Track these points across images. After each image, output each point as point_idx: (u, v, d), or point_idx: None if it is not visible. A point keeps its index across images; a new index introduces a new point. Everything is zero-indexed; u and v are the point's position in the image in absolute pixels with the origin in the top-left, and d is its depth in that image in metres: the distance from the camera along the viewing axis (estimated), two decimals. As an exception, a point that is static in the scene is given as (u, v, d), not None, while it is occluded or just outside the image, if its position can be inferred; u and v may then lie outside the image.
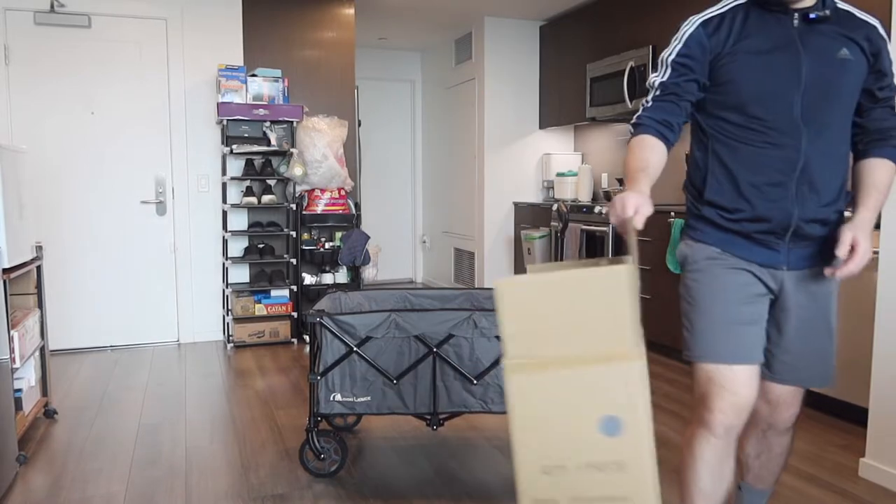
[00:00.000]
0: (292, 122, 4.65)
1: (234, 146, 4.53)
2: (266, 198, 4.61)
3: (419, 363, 2.40)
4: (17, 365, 2.66)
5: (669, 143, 1.65)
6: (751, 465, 1.86)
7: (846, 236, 1.55)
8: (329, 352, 2.41)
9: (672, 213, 4.09)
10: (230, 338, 4.70)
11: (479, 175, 6.15)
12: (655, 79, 1.67)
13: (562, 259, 2.84)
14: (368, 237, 4.74)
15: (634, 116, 1.68)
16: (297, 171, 4.50)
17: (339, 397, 2.42)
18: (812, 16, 1.56)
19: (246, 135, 4.67)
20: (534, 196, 6.14)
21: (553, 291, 1.34)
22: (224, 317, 4.82)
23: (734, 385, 1.59)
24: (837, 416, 3.16)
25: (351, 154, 5.03)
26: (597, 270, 1.31)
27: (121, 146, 4.56)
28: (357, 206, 4.91)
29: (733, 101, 1.60)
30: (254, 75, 4.61)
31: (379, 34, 6.53)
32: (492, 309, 2.44)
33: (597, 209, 4.70)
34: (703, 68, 1.61)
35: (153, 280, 4.69)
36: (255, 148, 4.56)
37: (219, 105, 4.44)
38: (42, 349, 3.15)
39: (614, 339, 1.29)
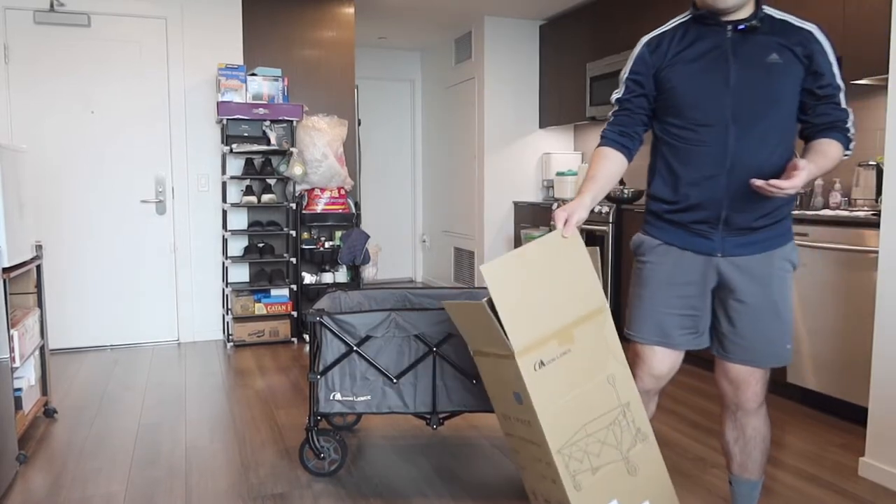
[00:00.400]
0: (292, 121, 4.65)
1: (233, 145, 4.52)
2: (266, 197, 4.60)
3: (419, 362, 2.40)
4: (17, 364, 2.66)
5: (629, 150, 1.90)
6: (732, 452, 1.97)
7: (797, 162, 1.64)
8: (329, 351, 2.41)
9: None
10: (230, 337, 4.70)
11: (479, 174, 6.14)
12: (615, 95, 1.92)
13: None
14: (368, 236, 4.74)
15: (606, 125, 1.94)
16: (296, 170, 4.50)
17: (338, 396, 2.42)
18: (741, 27, 1.74)
19: (246, 134, 4.67)
20: (534, 195, 6.14)
21: (529, 261, 1.71)
22: (224, 316, 4.82)
23: (652, 361, 1.91)
24: (837, 415, 3.16)
25: (351, 153, 5.02)
26: (554, 233, 1.74)
27: (121, 145, 4.56)
28: (357, 205, 4.91)
29: (673, 106, 1.81)
30: (254, 74, 4.61)
31: (379, 34, 6.53)
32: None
33: (597, 208, 4.70)
34: (650, 82, 1.85)
35: (153, 280, 4.69)
36: (255, 147, 4.56)
37: (218, 104, 4.44)
38: (42, 348, 3.15)
39: (498, 343, 1.71)
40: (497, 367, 1.78)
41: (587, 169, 1.89)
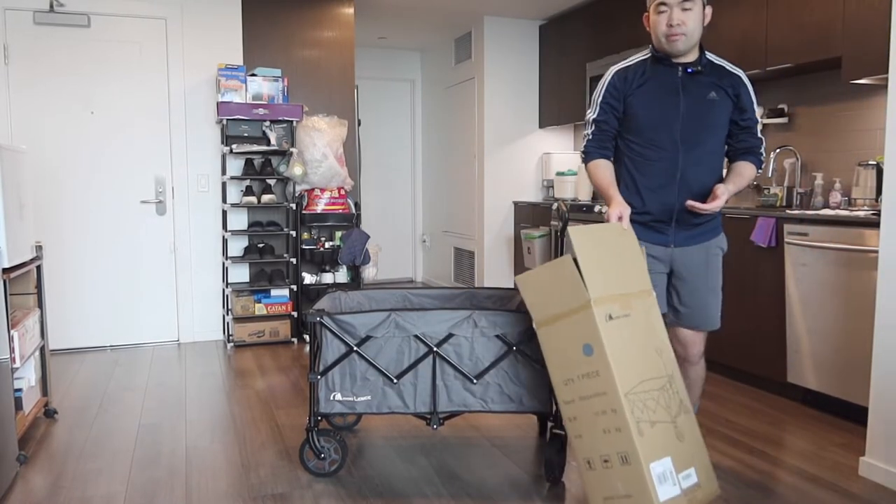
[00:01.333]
0: (292, 121, 4.65)
1: (233, 146, 4.52)
2: (266, 197, 4.60)
3: (419, 362, 2.40)
4: (18, 365, 2.66)
5: (610, 160, 2.36)
6: None
7: (718, 189, 2.19)
8: (329, 351, 2.41)
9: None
10: (230, 337, 4.70)
11: (478, 174, 6.14)
12: (590, 116, 2.35)
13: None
14: (368, 237, 4.74)
15: (583, 147, 2.38)
16: (296, 170, 4.50)
17: (339, 397, 2.43)
18: (690, 70, 2.25)
19: (246, 134, 4.67)
20: (533, 195, 6.14)
21: (601, 236, 2.10)
22: (224, 316, 4.82)
23: None
24: (837, 415, 3.16)
25: (351, 153, 5.03)
26: (614, 223, 2.17)
27: (120, 146, 4.56)
28: (357, 205, 4.91)
29: (635, 128, 2.28)
30: (253, 75, 4.61)
31: (378, 34, 6.53)
32: (491, 308, 2.44)
33: (597, 208, 4.70)
34: (620, 105, 2.30)
35: (153, 280, 4.69)
36: (255, 147, 4.56)
37: (218, 104, 4.44)
38: (42, 349, 3.15)
39: (575, 295, 2.00)
40: (567, 328, 2.01)
41: (597, 178, 2.33)
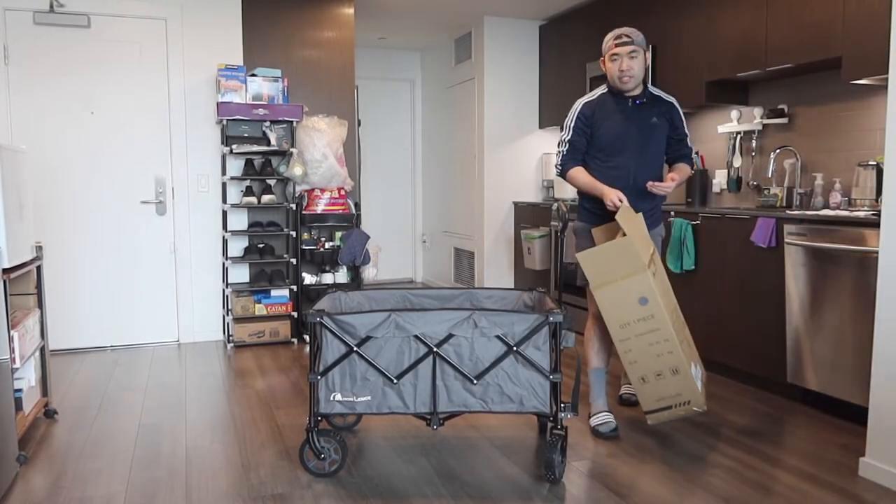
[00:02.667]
0: (292, 121, 4.65)
1: (233, 146, 4.53)
2: (266, 198, 4.61)
3: (419, 363, 2.40)
4: (18, 365, 2.66)
5: (582, 168, 3.04)
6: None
7: (669, 175, 2.96)
8: (329, 351, 2.41)
9: (672, 213, 4.08)
10: (230, 338, 4.70)
11: (478, 175, 6.14)
12: (565, 137, 3.05)
13: (561, 258, 2.97)
14: (368, 237, 4.74)
15: (559, 161, 3.07)
16: (296, 170, 4.50)
17: (339, 397, 2.43)
18: (637, 101, 2.98)
19: (246, 134, 4.67)
20: (533, 195, 6.14)
21: (627, 216, 2.79)
22: (224, 317, 4.82)
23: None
24: (837, 415, 3.16)
25: (351, 154, 5.03)
26: (625, 207, 2.84)
27: (120, 146, 4.56)
28: (357, 205, 4.91)
29: (599, 146, 3.01)
30: (253, 75, 4.61)
31: (379, 34, 6.53)
32: (491, 309, 2.44)
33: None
34: (588, 129, 3.01)
35: (153, 280, 4.69)
36: (255, 148, 4.56)
37: (218, 105, 4.44)
38: (42, 349, 3.15)
39: (631, 265, 2.68)
40: (624, 286, 2.68)
41: (581, 181, 2.99)
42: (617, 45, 2.90)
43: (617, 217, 2.75)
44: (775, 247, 3.39)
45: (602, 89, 3.04)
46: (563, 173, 3.05)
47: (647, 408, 2.82)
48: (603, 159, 3.00)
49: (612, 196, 2.84)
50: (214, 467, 2.64)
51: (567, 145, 3.03)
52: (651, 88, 3.03)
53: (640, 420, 3.13)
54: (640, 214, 2.88)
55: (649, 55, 2.99)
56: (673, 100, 3.05)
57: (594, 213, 3.04)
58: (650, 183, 2.88)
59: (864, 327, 2.92)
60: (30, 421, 2.89)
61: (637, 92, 2.97)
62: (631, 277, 2.65)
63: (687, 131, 3.10)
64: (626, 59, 2.89)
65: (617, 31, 2.95)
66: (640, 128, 2.97)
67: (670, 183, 2.90)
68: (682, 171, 3.05)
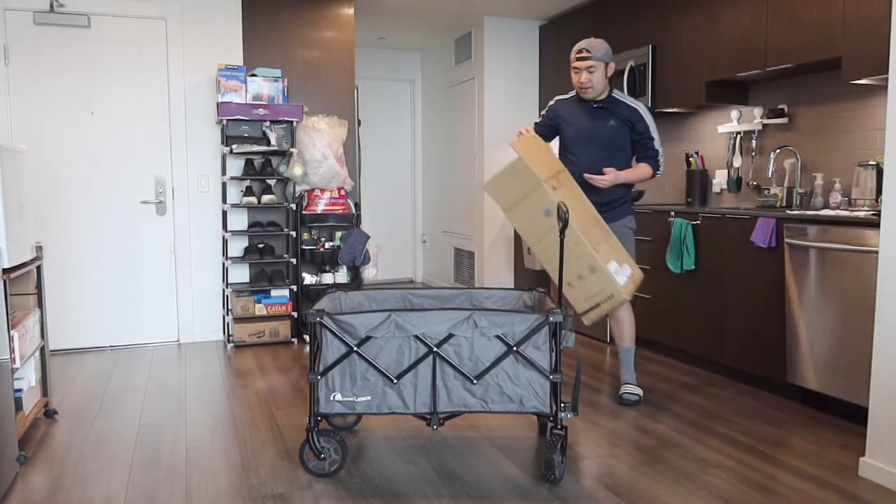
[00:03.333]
0: (292, 121, 4.65)
1: (233, 146, 4.52)
2: (266, 198, 4.60)
3: (419, 363, 2.40)
4: (18, 365, 2.66)
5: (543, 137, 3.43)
6: (615, 332, 3.47)
7: (608, 169, 3.26)
8: (329, 351, 2.41)
9: (672, 213, 4.08)
10: (230, 338, 4.70)
11: (478, 174, 6.14)
12: (540, 116, 3.54)
13: (561, 260, 2.95)
14: (368, 237, 4.74)
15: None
16: (296, 170, 4.50)
17: (339, 397, 2.43)
18: (595, 105, 3.33)
19: (246, 134, 4.67)
20: (534, 196, 6.13)
21: (529, 142, 3.15)
22: (224, 317, 4.82)
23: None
24: (837, 415, 3.16)
25: (351, 154, 5.03)
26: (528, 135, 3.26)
27: (120, 146, 4.56)
28: (357, 205, 4.91)
29: (562, 142, 3.44)
30: (253, 75, 4.61)
31: (379, 34, 6.53)
32: (491, 309, 2.44)
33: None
34: (554, 122, 3.46)
35: (153, 280, 4.69)
36: (255, 148, 4.56)
37: (218, 105, 4.44)
38: (42, 349, 3.15)
39: (530, 181, 2.95)
40: (530, 203, 2.94)
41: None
42: (577, 60, 3.24)
43: (513, 143, 2.99)
44: (775, 247, 3.39)
45: (573, 92, 3.44)
46: None
47: (580, 310, 3.03)
48: (564, 154, 3.42)
49: (521, 130, 3.27)
50: (214, 467, 2.64)
51: (539, 120, 3.55)
52: (616, 94, 3.33)
53: (641, 420, 3.13)
54: (547, 145, 3.26)
55: (612, 65, 3.29)
56: (639, 106, 3.30)
57: None
58: (586, 174, 3.24)
59: (864, 327, 2.92)
60: (30, 421, 2.89)
61: (602, 97, 3.32)
62: (531, 194, 2.92)
63: (653, 135, 3.30)
64: (584, 73, 3.23)
65: (579, 45, 3.25)
66: (596, 128, 3.31)
67: (604, 177, 3.22)
68: (635, 169, 3.33)
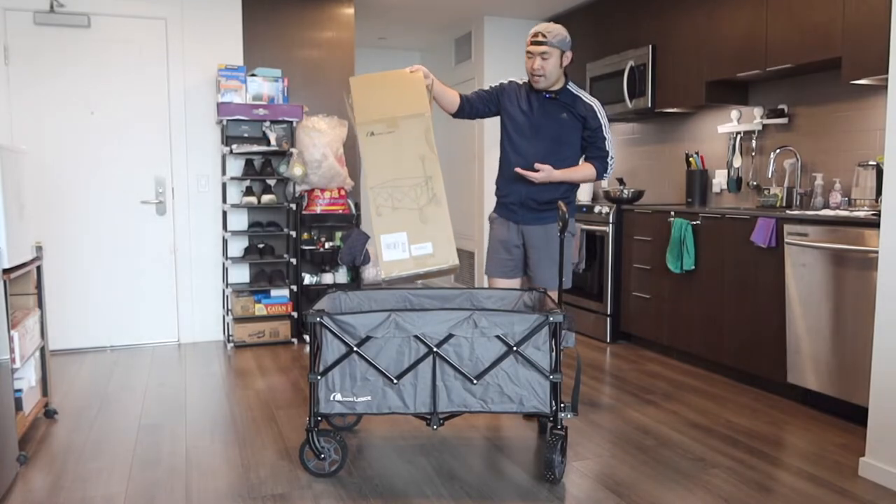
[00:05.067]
0: (292, 121, 4.65)
1: (233, 146, 4.52)
2: (266, 198, 4.60)
3: (419, 363, 2.40)
4: (18, 365, 2.66)
5: (464, 106, 3.10)
6: None
7: (542, 166, 2.98)
8: (329, 351, 2.41)
9: (672, 213, 4.08)
10: (230, 338, 4.70)
11: (478, 175, 6.14)
12: (481, 88, 3.17)
13: (561, 258, 2.95)
14: (368, 237, 4.73)
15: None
16: (296, 170, 4.50)
17: (339, 397, 2.43)
18: (548, 96, 3.05)
19: (246, 135, 4.67)
20: (534, 196, 6.13)
21: (383, 79, 2.75)
22: (224, 317, 4.82)
23: (498, 286, 3.21)
24: (837, 415, 3.16)
25: (351, 154, 5.03)
26: (404, 69, 2.79)
27: (120, 146, 4.56)
28: (357, 205, 4.91)
29: (507, 129, 3.10)
30: (253, 75, 4.61)
31: (379, 34, 6.53)
32: (492, 309, 2.44)
33: (597, 209, 4.69)
34: (497, 99, 3.11)
35: (153, 280, 4.69)
36: (255, 148, 4.56)
37: (219, 105, 4.44)
38: (42, 349, 3.15)
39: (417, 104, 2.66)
40: (407, 129, 2.63)
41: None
42: (531, 44, 2.95)
43: (352, 80, 2.66)
44: (775, 247, 3.39)
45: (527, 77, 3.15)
46: None
47: (386, 258, 2.66)
48: (507, 146, 3.11)
49: (415, 66, 2.86)
50: (214, 467, 2.64)
51: (480, 90, 3.17)
52: (572, 87, 3.08)
53: (641, 420, 3.13)
54: (423, 82, 2.77)
55: (569, 55, 3.00)
56: (594, 102, 3.07)
57: (497, 197, 3.19)
58: (516, 168, 3.00)
59: (864, 327, 2.92)
60: (30, 421, 2.89)
61: (555, 88, 3.04)
62: (412, 118, 2.59)
63: (606, 135, 3.07)
64: (537, 59, 2.94)
65: (535, 28, 2.98)
66: (544, 121, 3.03)
67: (536, 173, 2.96)
68: (576, 168, 3.07)
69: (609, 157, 3.10)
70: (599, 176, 3.10)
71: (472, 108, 3.09)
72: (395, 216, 2.57)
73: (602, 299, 4.66)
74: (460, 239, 6.61)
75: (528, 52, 2.97)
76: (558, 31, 2.96)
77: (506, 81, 3.14)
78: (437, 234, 2.62)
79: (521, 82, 3.13)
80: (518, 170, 2.99)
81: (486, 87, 3.15)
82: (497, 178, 3.19)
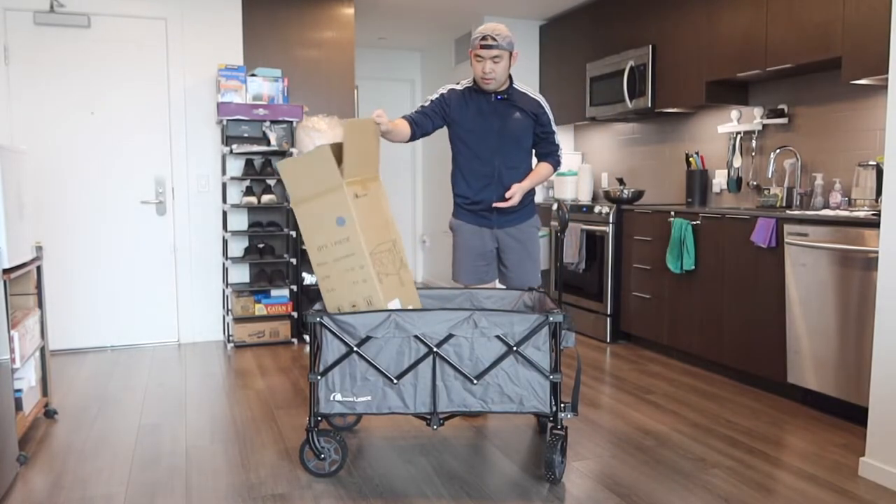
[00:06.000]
0: (292, 121, 4.65)
1: (233, 146, 4.53)
2: (266, 198, 4.61)
3: (419, 363, 2.40)
4: (18, 365, 2.66)
5: (416, 130, 3.01)
6: None
7: (512, 189, 2.98)
8: (329, 351, 2.41)
9: (672, 213, 4.08)
10: (230, 338, 4.70)
11: (478, 175, 6.13)
12: (423, 103, 3.07)
13: (561, 258, 2.96)
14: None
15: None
16: (296, 170, 4.49)
17: (339, 397, 2.43)
18: (499, 97, 3.01)
19: (246, 135, 4.67)
20: (534, 196, 6.13)
21: (363, 127, 2.60)
22: (224, 317, 4.82)
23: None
24: (837, 415, 3.16)
25: (351, 154, 5.02)
26: (371, 119, 2.67)
27: (120, 146, 4.56)
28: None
29: (461, 139, 3.07)
30: (253, 75, 4.61)
31: (379, 34, 6.53)
32: (492, 309, 2.44)
33: (597, 209, 4.69)
34: (441, 111, 3.04)
35: (153, 280, 4.69)
36: (255, 148, 4.56)
37: (219, 105, 4.44)
38: (42, 349, 3.15)
39: (327, 179, 2.47)
40: (322, 204, 2.49)
41: (394, 123, 2.88)
42: (482, 47, 2.89)
43: (347, 123, 2.48)
44: (775, 247, 3.39)
45: (468, 82, 3.07)
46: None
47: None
48: (466, 157, 3.06)
49: (378, 112, 2.74)
50: (214, 467, 2.64)
51: (423, 105, 3.07)
52: (517, 85, 3.05)
53: (641, 420, 3.13)
54: (377, 143, 2.69)
55: (517, 54, 2.98)
56: (540, 98, 3.07)
57: (461, 205, 3.14)
58: (495, 203, 3.00)
59: (863, 327, 2.92)
60: (30, 421, 2.89)
61: (502, 88, 3.00)
62: (330, 194, 2.46)
63: (554, 129, 3.10)
64: (488, 62, 2.90)
65: (483, 31, 2.91)
66: (502, 123, 3.00)
67: (513, 199, 2.96)
68: (537, 174, 3.06)
69: (560, 151, 3.15)
70: (554, 171, 3.15)
71: (422, 130, 3.02)
72: (388, 283, 2.56)
73: (602, 299, 4.66)
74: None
75: (478, 55, 2.91)
76: (507, 33, 2.92)
77: (444, 91, 3.06)
78: (412, 295, 2.71)
79: (460, 88, 3.05)
80: (497, 205, 2.99)
81: (425, 103, 3.07)
82: (457, 185, 3.12)
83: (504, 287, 3.12)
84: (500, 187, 3.02)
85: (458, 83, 3.08)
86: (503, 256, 3.15)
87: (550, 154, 3.12)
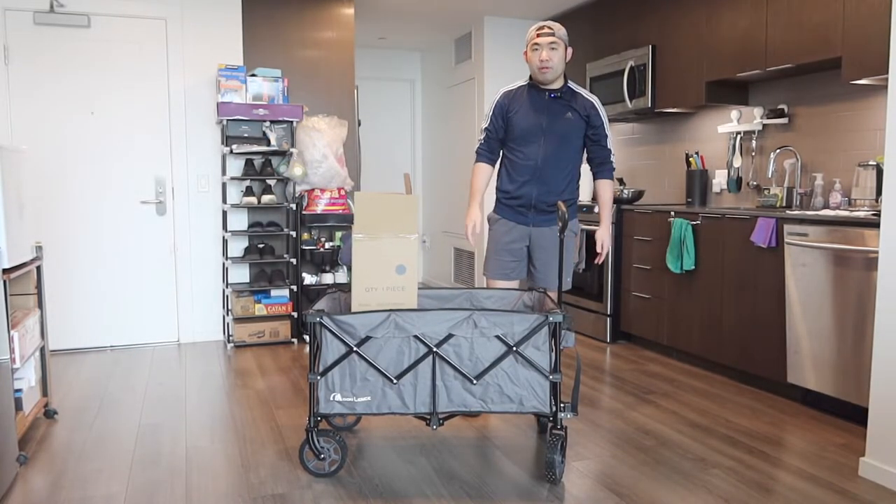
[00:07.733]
0: (292, 121, 4.65)
1: (233, 146, 4.52)
2: (266, 198, 4.60)
3: (419, 363, 2.40)
4: (18, 365, 2.66)
5: (494, 161, 3.16)
6: None
7: (599, 240, 3.14)
8: (329, 351, 2.41)
9: (672, 213, 4.08)
10: (230, 338, 4.70)
11: (478, 175, 6.13)
12: (483, 125, 3.15)
13: (561, 258, 2.95)
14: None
15: (476, 149, 3.18)
16: (296, 170, 4.50)
17: (338, 397, 2.43)
18: (552, 95, 3.03)
19: (246, 135, 4.67)
20: (534, 196, 6.13)
21: (381, 201, 2.62)
22: (224, 317, 4.82)
23: (496, 286, 3.18)
24: (837, 415, 3.16)
25: (351, 154, 5.03)
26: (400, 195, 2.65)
27: (120, 146, 4.56)
28: (357, 205, 4.90)
29: (512, 137, 3.08)
30: (253, 75, 4.61)
31: (378, 34, 6.53)
32: (492, 309, 2.44)
33: (596, 209, 4.69)
34: (504, 118, 3.09)
35: (153, 280, 4.69)
36: (255, 148, 4.56)
37: (218, 105, 4.44)
38: (42, 349, 3.15)
39: (405, 226, 2.57)
40: (390, 246, 2.56)
41: (474, 181, 3.12)
42: (539, 36, 2.95)
43: (411, 198, 2.60)
44: (775, 247, 3.39)
45: (523, 81, 3.12)
46: (475, 162, 3.17)
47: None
48: (514, 148, 3.09)
49: (469, 222, 3.03)
50: (214, 467, 2.64)
51: (484, 133, 3.14)
52: (572, 85, 3.07)
53: (641, 420, 3.13)
54: (415, 203, 2.69)
55: (571, 51, 3.02)
56: (595, 99, 3.08)
57: (501, 200, 3.16)
58: (597, 261, 3.16)
59: (864, 327, 2.92)
60: (30, 421, 2.89)
61: (556, 86, 3.03)
62: (400, 238, 2.54)
63: (607, 132, 3.09)
64: (545, 49, 2.93)
65: (539, 23, 3.01)
66: (551, 121, 3.01)
67: (604, 251, 3.13)
68: (605, 205, 3.14)
69: (612, 157, 3.14)
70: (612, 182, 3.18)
71: (497, 154, 3.15)
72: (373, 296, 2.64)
73: (602, 299, 4.66)
74: (460, 239, 6.61)
75: (536, 44, 2.95)
76: (562, 27, 2.99)
77: (498, 97, 3.11)
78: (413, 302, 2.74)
79: (515, 87, 3.11)
80: (601, 259, 3.16)
81: (485, 122, 3.14)
82: (500, 180, 3.16)
83: (536, 286, 3.13)
84: (542, 184, 3.04)
85: (512, 85, 3.14)
86: (534, 256, 3.15)
87: (604, 163, 3.11)
